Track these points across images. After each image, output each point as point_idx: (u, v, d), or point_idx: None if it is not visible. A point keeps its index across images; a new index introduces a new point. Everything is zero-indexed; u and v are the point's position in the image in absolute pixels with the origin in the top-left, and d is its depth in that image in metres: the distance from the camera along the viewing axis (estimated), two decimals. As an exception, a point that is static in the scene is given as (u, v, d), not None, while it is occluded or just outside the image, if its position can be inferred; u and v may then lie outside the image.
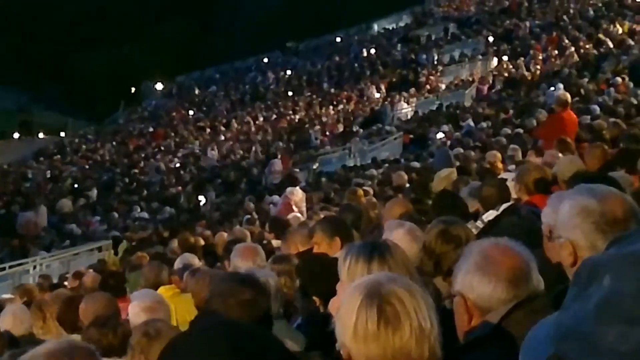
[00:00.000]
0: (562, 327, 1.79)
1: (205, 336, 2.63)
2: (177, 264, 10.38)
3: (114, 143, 56.11)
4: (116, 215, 32.16)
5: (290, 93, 55.46)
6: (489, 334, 3.27)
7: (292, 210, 17.49)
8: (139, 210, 32.60)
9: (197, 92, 68.41)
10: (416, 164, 21.61)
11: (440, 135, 28.98)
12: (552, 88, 27.73)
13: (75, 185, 41.08)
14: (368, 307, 2.86)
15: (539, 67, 35.37)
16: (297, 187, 19.43)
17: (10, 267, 23.65)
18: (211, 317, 4.15)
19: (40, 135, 78.62)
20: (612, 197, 3.56)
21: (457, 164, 16.71)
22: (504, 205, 7.78)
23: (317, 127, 41.42)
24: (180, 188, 34.53)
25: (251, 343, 2.61)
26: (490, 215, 7.71)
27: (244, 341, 2.61)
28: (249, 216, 20.78)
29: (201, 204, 31.02)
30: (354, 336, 2.87)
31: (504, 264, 3.33)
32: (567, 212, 3.58)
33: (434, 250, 5.49)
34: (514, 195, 8.46)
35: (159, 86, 77.18)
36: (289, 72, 62.69)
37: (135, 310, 6.31)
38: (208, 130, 51.87)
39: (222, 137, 47.86)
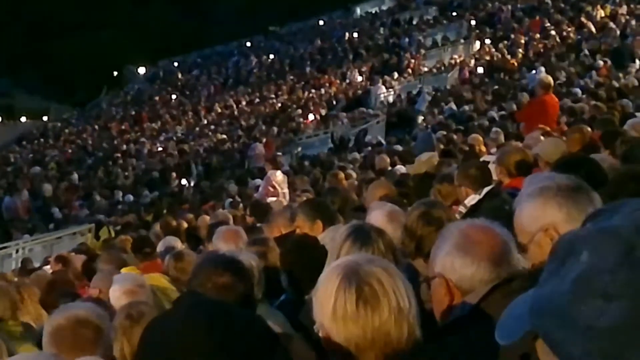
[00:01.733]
0: (538, 303, 1.80)
1: (184, 314, 2.64)
2: (160, 247, 10.39)
3: (97, 127, 55.98)
4: (99, 198, 32.13)
5: (272, 77, 55.38)
6: (467, 316, 3.27)
7: (275, 192, 17.53)
8: (121, 194, 32.55)
9: (179, 76, 68.24)
10: (399, 148, 21.59)
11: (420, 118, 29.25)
12: (534, 71, 27.78)
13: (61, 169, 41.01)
14: (346, 287, 2.87)
15: (521, 50, 35.38)
16: (278, 170, 19.41)
17: (-8, 250, 23.61)
18: (192, 296, 4.14)
19: (23, 119, 78.38)
20: None
21: (441, 147, 16.73)
22: (486, 189, 7.76)
23: (299, 110, 41.36)
24: (174, 174, 34.25)
25: (230, 321, 2.61)
26: (472, 199, 7.69)
27: (222, 319, 2.61)
28: (231, 199, 20.75)
29: (184, 187, 30.96)
30: (333, 317, 2.88)
31: (485, 244, 3.32)
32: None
33: (415, 232, 5.49)
34: (495, 178, 8.47)
35: (142, 70, 77.01)
36: (271, 56, 62.55)
37: (116, 294, 6.29)
38: (190, 114, 51.76)
39: (205, 121, 47.79)
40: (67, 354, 4.05)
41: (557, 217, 3.62)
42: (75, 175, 38.23)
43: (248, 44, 72.30)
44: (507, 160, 8.35)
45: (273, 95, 48.56)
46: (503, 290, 3.21)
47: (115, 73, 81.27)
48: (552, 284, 1.76)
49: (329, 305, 2.89)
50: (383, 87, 40.47)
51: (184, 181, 31.94)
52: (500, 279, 3.27)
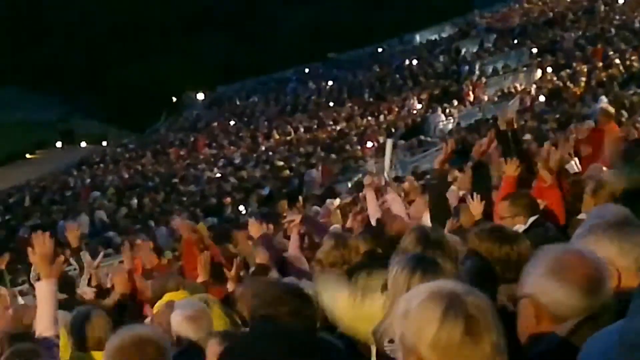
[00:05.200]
0: (628, 337, 1.69)
1: (265, 340, 2.62)
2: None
3: (155, 153, 56.36)
4: (156, 224, 32.18)
5: (331, 104, 55.48)
6: (555, 351, 3.16)
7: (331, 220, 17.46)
8: (178, 220, 32.52)
9: (237, 102, 68.67)
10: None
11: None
12: (597, 102, 27.50)
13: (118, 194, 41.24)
14: (453, 317, 2.77)
15: (583, 79, 35.06)
16: (337, 199, 19.37)
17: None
18: (266, 323, 4.09)
19: (83, 144, 79.38)
20: None
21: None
22: (532, 219, 7.77)
23: (355, 138, 41.31)
24: (228, 199, 34.26)
25: (308, 347, 2.59)
26: (519, 229, 7.59)
27: (302, 345, 2.58)
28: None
29: (242, 214, 30.93)
30: (433, 345, 2.78)
31: (580, 270, 3.22)
32: None
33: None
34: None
35: (200, 96, 77.61)
36: (330, 82, 62.77)
37: (177, 319, 6.24)
38: (249, 140, 51.90)
39: (263, 148, 47.87)
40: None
41: (610, 252, 3.56)
42: (135, 201, 38.45)
43: (306, 70, 72.67)
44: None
45: (331, 122, 48.61)
46: (593, 325, 3.08)
47: (174, 99, 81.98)
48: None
49: (429, 333, 2.78)
50: (442, 115, 40.36)
51: (241, 207, 31.91)
52: (592, 309, 3.17)
